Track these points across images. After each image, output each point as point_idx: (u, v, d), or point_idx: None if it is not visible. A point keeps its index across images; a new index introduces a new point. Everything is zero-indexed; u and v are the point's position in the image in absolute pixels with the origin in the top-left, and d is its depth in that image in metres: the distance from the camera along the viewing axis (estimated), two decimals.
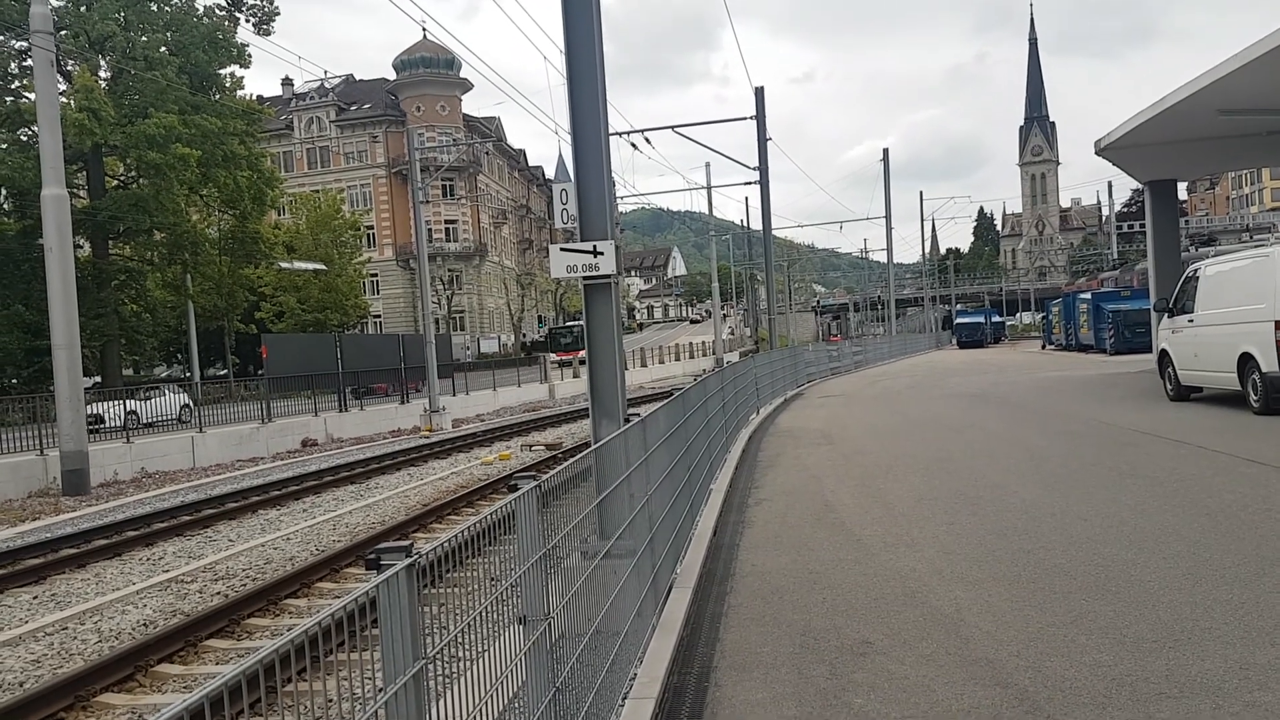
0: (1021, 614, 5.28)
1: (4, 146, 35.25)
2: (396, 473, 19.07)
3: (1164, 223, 24.20)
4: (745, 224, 68.37)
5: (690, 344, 71.81)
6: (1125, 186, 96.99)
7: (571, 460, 4.00)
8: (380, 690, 2.11)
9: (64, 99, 30.04)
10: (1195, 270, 15.60)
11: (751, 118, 29.64)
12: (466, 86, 79.89)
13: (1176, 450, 10.66)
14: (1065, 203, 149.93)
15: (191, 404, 27.67)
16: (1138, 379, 21.06)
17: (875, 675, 4.56)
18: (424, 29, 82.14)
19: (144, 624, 8.86)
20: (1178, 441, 11.27)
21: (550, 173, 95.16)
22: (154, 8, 37.84)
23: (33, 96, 27.98)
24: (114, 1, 35.51)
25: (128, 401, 26.09)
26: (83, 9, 35.91)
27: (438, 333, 36.23)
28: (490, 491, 15.02)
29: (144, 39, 36.63)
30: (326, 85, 78.70)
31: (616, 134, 27.48)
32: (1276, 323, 12.67)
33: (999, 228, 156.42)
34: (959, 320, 76.66)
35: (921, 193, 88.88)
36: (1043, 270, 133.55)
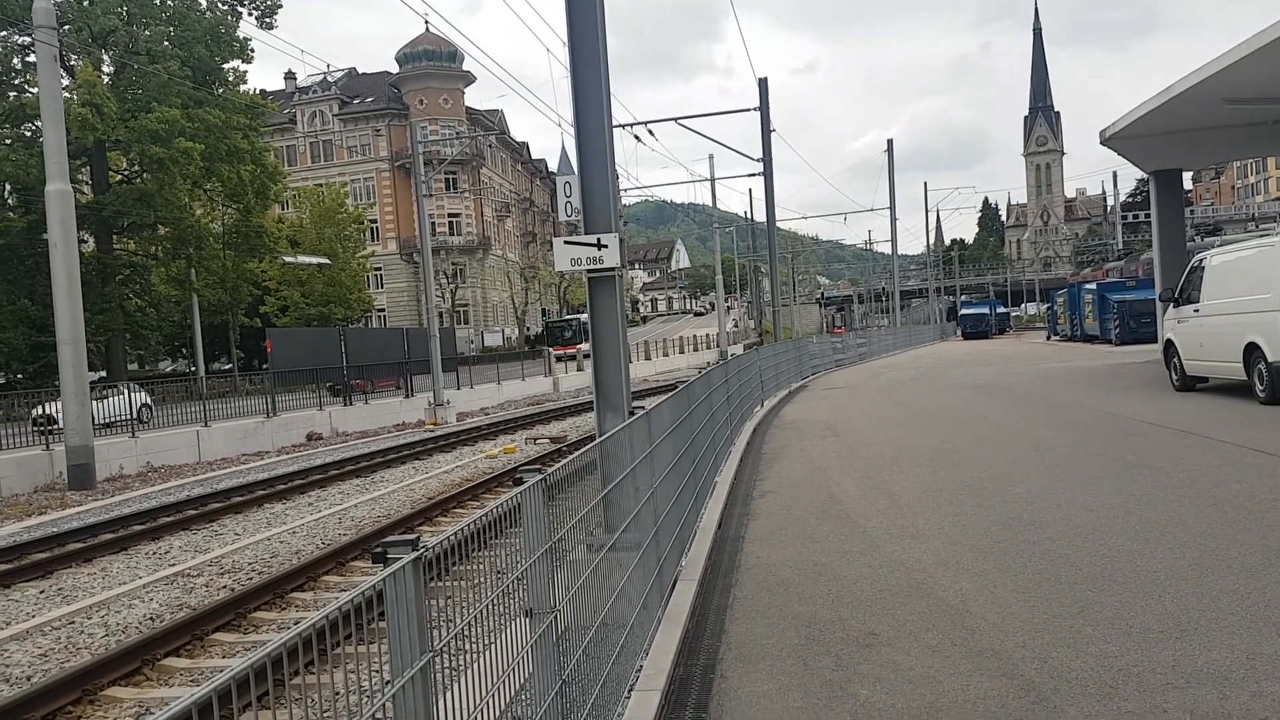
0: (1027, 605, 5.28)
1: (8, 143, 35.29)
2: (402, 466, 19.10)
3: (1169, 212, 24.13)
4: (749, 216, 68.38)
5: (694, 337, 71.75)
6: (1130, 176, 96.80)
7: (576, 454, 4.00)
8: (387, 683, 2.11)
9: (67, 94, 30.04)
10: (1201, 260, 15.55)
11: (755, 109, 29.52)
12: (469, 79, 79.79)
13: (1182, 440, 10.64)
14: (1070, 193, 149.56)
15: (151, 404, 26.01)
16: (1143, 369, 21.02)
17: (881, 667, 4.56)
18: (426, 22, 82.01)
19: (151, 618, 8.89)
20: (1184, 432, 11.25)
21: (553, 166, 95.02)
22: (156, 1, 37.85)
23: (36, 92, 28.05)
24: None
25: None
26: (85, 3, 35.92)
27: (442, 326, 36.19)
28: (496, 485, 15.04)
29: (146, 33, 36.63)
30: (329, 79, 78.60)
31: (620, 126, 27.46)
32: None
33: (1004, 218, 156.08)
34: (964, 311, 76.55)
35: (926, 184, 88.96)
36: (1048, 261, 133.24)
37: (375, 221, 74.86)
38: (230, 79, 40.27)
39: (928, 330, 69.35)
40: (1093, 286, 44.45)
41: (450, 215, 79.79)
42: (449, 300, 72.45)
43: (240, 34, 39.12)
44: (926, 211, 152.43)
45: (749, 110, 29.41)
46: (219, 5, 39.77)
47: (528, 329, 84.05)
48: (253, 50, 39.98)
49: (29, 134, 35.53)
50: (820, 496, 9.13)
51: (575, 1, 7.10)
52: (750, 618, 5.51)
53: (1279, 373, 12.73)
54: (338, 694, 5.97)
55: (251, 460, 22.83)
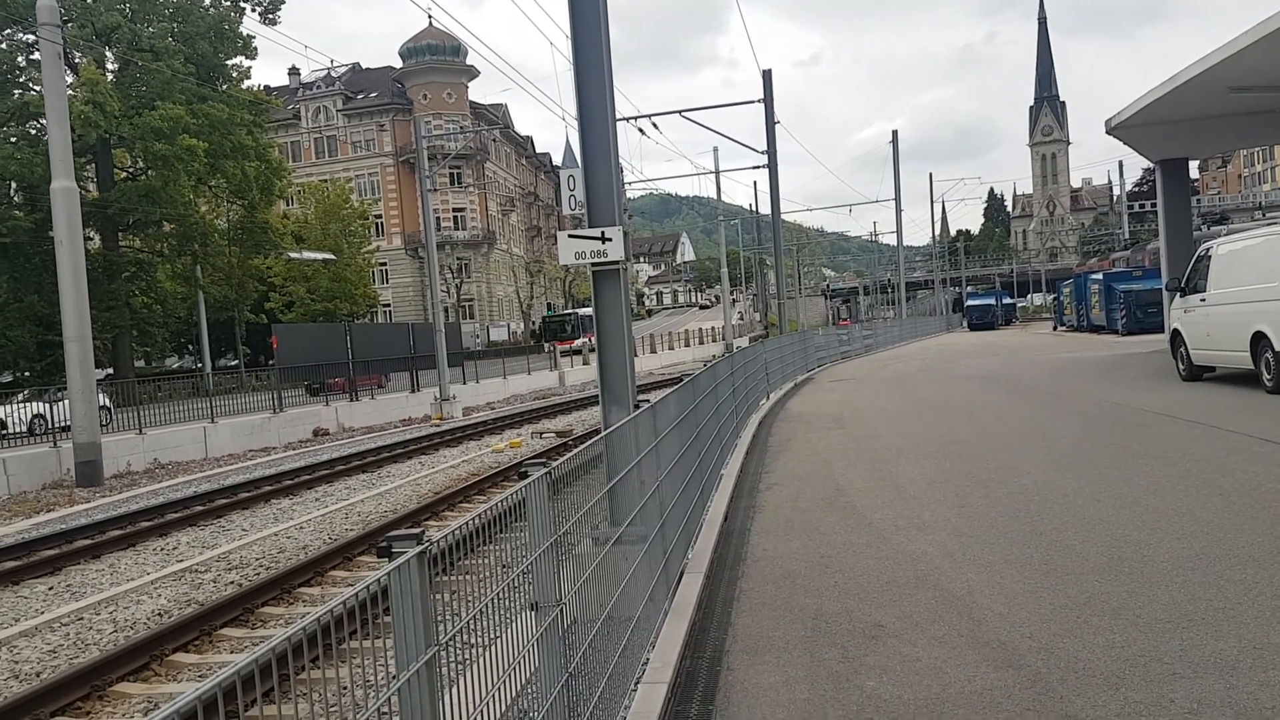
0: (1034, 595, 5.27)
1: (13, 141, 35.37)
2: (408, 461, 19.12)
3: (1176, 202, 24.05)
4: (754, 208, 68.29)
5: (699, 330, 71.71)
6: (1136, 166, 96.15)
7: (582, 447, 4.00)
8: (394, 677, 2.12)
9: (70, 92, 30.08)
10: (1207, 249, 15.49)
11: (759, 101, 29.49)
12: (473, 74, 79.74)
13: (1189, 430, 10.62)
14: (1076, 183, 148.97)
15: (111, 406, 23.98)
16: (1150, 359, 20.96)
17: (887, 658, 4.56)
18: (430, 16, 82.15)
19: (159, 614, 8.92)
20: (1190, 421, 11.22)
21: (558, 159, 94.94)
22: None
23: (40, 90, 28.08)
24: None
25: (34, 404, 23.04)
26: (88, 0, 35.92)
27: (447, 321, 36.27)
28: (502, 479, 15.05)
29: (150, 30, 36.63)
30: (333, 74, 78.57)
31: (624, 119, 27.42)
32: None
33: (1009, 209, 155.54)
34: (970, 302, 76.39)
35: (931, 174, 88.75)
36: (1054, 251, 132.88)
37: (380, 217, 74.95)
38: (234, 75, 40.28)
39: (934, 322, 69.27)
40: (1099, 277, 44.31)
41: (455, 210, 79.81)
42: (454, 295, 72.47)
43: (243, 30, 39.13)
44: (932, 202, 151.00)
45: (753, 102, 29.42)
46: (222, 1, 39.76)
47: (533, 323, 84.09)
48: (256, 46, 39.99)
49: (34, 132, 35.60)
50: (826, 489, 9.13)
51: None
52: (757, 610, 5.52)
53: None
54: (344, 688, 5.99)
55: (258, 456, 22.89)
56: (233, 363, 50.54)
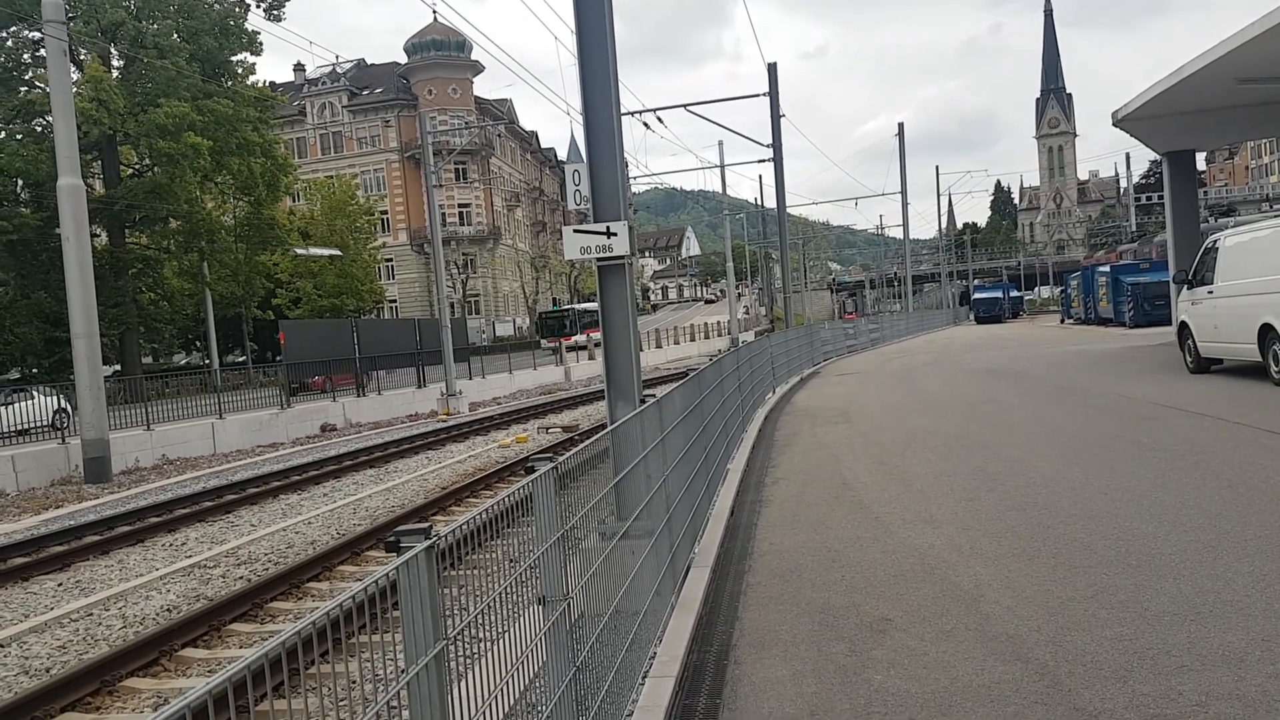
0: (1041, 589, 5.27)
1: (19, 138, 35.43)
2: (415, 456, 19.16)
3: (1183, 194, 23.96)
4: (759, 202, 68.23)
5: (705, 324, 71.68)
6: (1143, 158, 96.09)
7: (588, 442, 4.00)
8: (402, 671, 2.12)
9: (76, 89, 30.12)
10: (1214, 241, 15.44)
11: (764, 94, 29.44)
12: (478, 69, 79.70)
13: (1197, 423, 10.59)
14: (1083, 175, 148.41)
15: (70, 409, 21.80)
16: (1157, 352, 20.91)
17: (895, 652, 4.56)
18: (434, 11, 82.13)
19: (168, 609, 8.96)
20: (1198, 414, 11.19)
21: (563, 154, 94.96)
22: None
23: (45, 87, 28.14)
24: None
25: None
26: None
27: (453, 316, 36.27)
28: (508, 474, 15.08)
29: (154, 26, 36.63)
30: (338, 70, 78.67)
31: (629, 113, 27.37)
32: None
33: (1016, 201, 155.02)
34: (976, 295, 76.27)
35: (938, 167, 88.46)
36: (1061, 244, 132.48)
37: (385, 213, 74.91)
38: (239, 71, 40.29)
39: (940, 315, 69.15)
40: (1106, 269, 44.21)
41: (460, 205, 79.82)
42: (460, 290, 72.50)
43: (248, 26, 39.12)
44: (938, 195, 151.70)
45: (758, 96, 29.35)
46: None
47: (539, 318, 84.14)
48: (261, 42, 39.99)
49: (39, 129, 35.65)
50: (833, 483, 9.12)
51: None
52: (763, 604, 5.52)
53: None
54: (353, 682, 6.02)
55: (266, 452, 22.95)
56: (240, 359, 50.62)
